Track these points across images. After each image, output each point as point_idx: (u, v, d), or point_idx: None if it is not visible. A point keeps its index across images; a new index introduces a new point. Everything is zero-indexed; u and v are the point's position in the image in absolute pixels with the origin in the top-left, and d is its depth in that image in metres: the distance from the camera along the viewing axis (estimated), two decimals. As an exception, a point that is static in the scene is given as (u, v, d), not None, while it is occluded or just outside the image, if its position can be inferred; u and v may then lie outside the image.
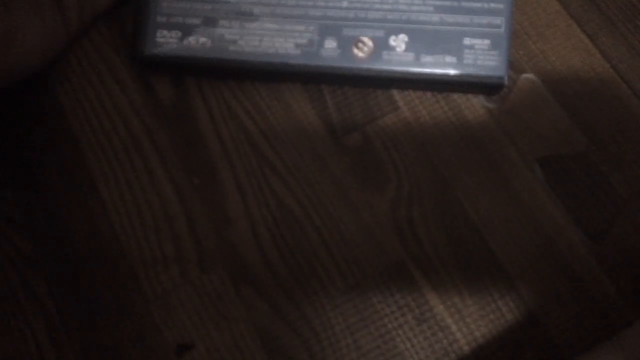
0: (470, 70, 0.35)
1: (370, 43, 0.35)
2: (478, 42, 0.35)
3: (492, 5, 0.35)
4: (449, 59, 0.35)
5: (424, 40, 0.35)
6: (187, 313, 0.34)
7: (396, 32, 0.35)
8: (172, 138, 0.36)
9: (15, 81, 0.33)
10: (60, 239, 0.35)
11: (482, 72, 0.35)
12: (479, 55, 0.35)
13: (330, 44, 0.35)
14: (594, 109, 0.37)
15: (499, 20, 0.35)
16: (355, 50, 0.35)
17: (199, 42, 0.35)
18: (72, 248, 0.35)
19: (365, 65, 0.35)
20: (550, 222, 0.35)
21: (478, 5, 0.35)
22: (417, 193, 0.35)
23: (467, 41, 0.35)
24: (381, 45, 0.35)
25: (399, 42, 0.35)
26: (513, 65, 0.37)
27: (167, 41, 0.35)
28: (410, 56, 0.35)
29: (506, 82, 0.34)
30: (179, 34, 0.35)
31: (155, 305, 0.34)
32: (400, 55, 0.35)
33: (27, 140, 0.36)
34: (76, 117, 0.37)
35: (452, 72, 0.35)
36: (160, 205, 0.35)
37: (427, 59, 0.35)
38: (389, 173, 0.36)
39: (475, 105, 0.37)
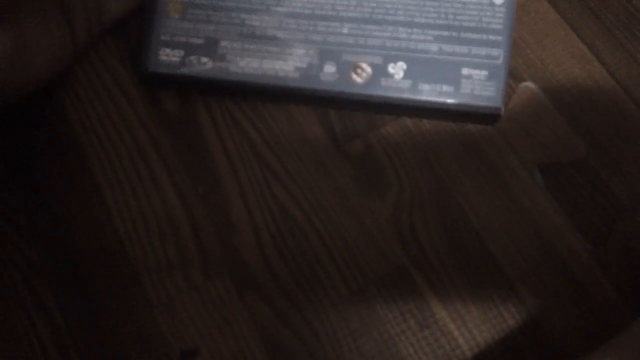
0: (466, 100, 0.35)
1: (368, 69, 0.35)
2: (476, 73, 0.35)
3: (491, 37, 0.35)
4: (446, 88, 0.35)
5: (422, 68, 0.35)
6: (191, 318, 0.34)
7: (395, 59, 0.35)
8: (177, 146, 0.37)
9: (24, 96, 0.34)
10: (65, 244, 0.35)
11: (479, 103, 0.35)
12: (476, 85, 0.35)
13: (330, 68, 0.36)
14: (593, 116, 0.37)
15: (497, 52, 0.35)
16: (354, 76, 0.35)
17: (200, 62, 0.36)
18: (77, 254, 0.35)
19: (363, 91, 0.35)
20: (550, 227, 0.35)
21: (477, 36, 0.35)
22: (418, 199, 0.36)
23: (465, 71, 0.35)
24: (379, 71, 0.35)
25: (397, 69, 0.35)
26: (512, 74, 0.38)
27: (169, 59, 0.36)
28: (408, 83, 0.35)
29: (502, 113, 0.35)
30: (182, 52, 0.36)
31: (160, 311, 0.34)
32: (398, 82, 0.35)
33: (34, 148, 0.37)
34: (82, 127, 0.37)
35: (448, 100, 0.35)
36: (164, 212, 0.36)
37: (425, 87, 0.35)
38: (390, 179, 0.36)
39: (475, 113, 0.37)
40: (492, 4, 0.35)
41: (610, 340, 0.29)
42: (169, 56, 0.36)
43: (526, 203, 0.35)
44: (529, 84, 0.38)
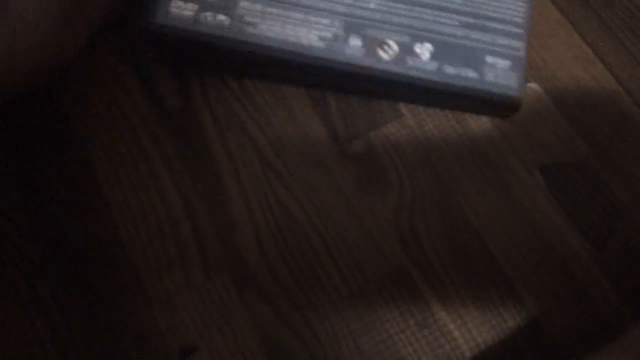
0: (490, 88, 0.34)
1: (395, 46, 0.35)
2: (499, 62, 0.35)
3: (514, 29, 0.35)
4: (472, 73, 0.35)
5: (448, 51, 0.35)
6: (190, 317, 0.34)
7: (422, 39, 0.35)
8: (178, 144, 0.37)
9: (22, 93, 0.33)
10: (65, 243, 0.35)
11: (502, 91, 0.34)
12: (500, 74, 0.35)
13: (355, 41, 0.34)
14: (594, 117, 0.37)
15: (519, 44, 0.35)
16: (380, 52, 0.35)
17: (216, 19, 0.33)
18: (76, 252, 0.35)
19: (389, 68, 0.35)
20: (551, 228, 0.35)
21: (501, 27, 0.35)
22: (419, 199, 0.36)
23: (489, 59, 0.35)
24: (406, 50, 0.35)
25: (424, 50, 0.35)
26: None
27: (181, 12, 0.33)
28: (434, 65, 0.35)
29: (522, 104, 0.35)
30: (196, 7, 0.33)
31: (159, 310, 0.34)
32: (425, 63, 0.35)
33: (34, 147, 0.37)
34: (83, 124, 0.37)
35: (473, 86, 0.34)
36: (165, 211, 0.36)
37: (450, 70, 0.35)
38: (391, 179, 0.36)
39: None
40: None
41: (611, 342, 0.29)
42: (180, 9, 0.33)
43: (526, 203, 0.35)
44: (531, 85, 0.38)
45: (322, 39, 0.34)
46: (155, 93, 0.38)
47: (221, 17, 0.33)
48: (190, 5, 0.33)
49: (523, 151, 0.36)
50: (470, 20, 0.35)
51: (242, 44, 0.33)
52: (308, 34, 0.34)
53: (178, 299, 0.34)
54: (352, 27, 0.35)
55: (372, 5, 0.35)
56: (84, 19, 0.34)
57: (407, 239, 0.35)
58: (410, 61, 0.35)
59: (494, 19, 0.35)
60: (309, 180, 0.36)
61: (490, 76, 0.34)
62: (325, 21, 0.34)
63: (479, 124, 0.37)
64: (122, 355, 0.33)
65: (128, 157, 0.37)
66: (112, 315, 0.34)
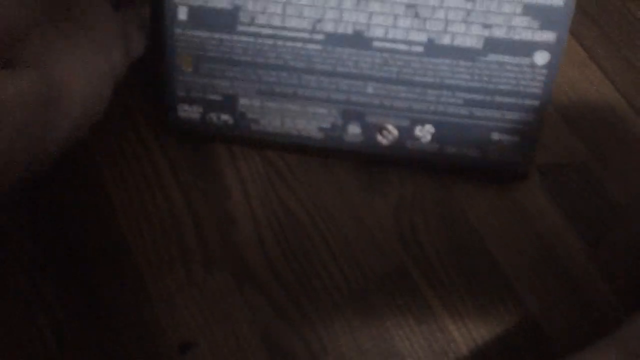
0: (493, 165, 0.34)
1: (395, 131, 0.34)
2: (506, 138, 0.33)
3: (527, 102, 0.32)
4: (474, 152, 0.33)
5: (450, 132, 0.33)
6: (191, 314, 0.34)
7: (422, 122, 0.33)
8: (180, 141, 0.37)
9: (68, 148, 0.30)
10: (67, 240, 0.35)
11: (505, 167, 0.34)
12: (505, 151, 0.33)
13: (354, 129, 0.34)
14: (591, 119, 0.38)
15: (532, 117, 0.33)
16: (379, 137, 0.34)
17: (220, 119, 0.35)
18: (78, 250, 0.35)
19: (388, 152, 0.34)
20: (549, 228, 0.35)
21: (512, 101, 0.33)
22: (420, 199, 0.36)
23: (495, 136, 0.33)
24: (406, 134, 0.34)
25: (424, 132, 0.33)
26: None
27: (189, 115, 0.35)
28: (435, 147, 0.34)
29: (527, 173, 0.34)
30: (200, 109, 0.35)
31: (160, 306, 0.34)
32: (425, 145, 0.34)
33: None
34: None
35: (474, 165, 0.34)
36: (167, 207, 0.36)
37: (452, 150, 0.34)
38: (391, 178, 0.36)
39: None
40: (532, 65, 0.32)
41: (604, 337, 0.30)
42: (187, 112, 0.35)
43: (525, 204, 0.36)
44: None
45: (320, 129, 0.34)
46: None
47: (225, 116, 0.35)
48: (195, 108, 0.35)
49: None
50: (477, 97, 0.33)
51: (247, 139, 0.35)
52: (307, 125, 0.34)
53: (179, 295, 0.34)
54: (350, 114, 0.34)
55: (370, 90, 0.33)
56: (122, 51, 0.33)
57: (407, 239, 0.35)
58: (409, 144, 0.34)
59: (504, 93, 0.32)
60: (309, 177, 0.36)
61: (493, 154, 0.33)
62: (323, 111, 0.34)
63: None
64: (122, 351, 0.33)
65: (131, 153, 0.37)
66: (113, 312, 0.34)
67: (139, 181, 0.36)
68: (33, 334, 0.34)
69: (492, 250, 0.35)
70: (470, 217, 0.36)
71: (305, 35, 0.33)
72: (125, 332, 0.34)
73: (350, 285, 0.34)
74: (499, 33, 0.32)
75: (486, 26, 0.31)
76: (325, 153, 0.36)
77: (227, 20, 0.33)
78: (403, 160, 0.35)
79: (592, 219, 0.36)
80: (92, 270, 0.35)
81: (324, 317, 0.34)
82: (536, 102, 0.32)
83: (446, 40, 0.32)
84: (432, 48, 0.32)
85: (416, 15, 0.32)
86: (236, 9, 0.33)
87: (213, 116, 0.34)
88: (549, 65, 0.32)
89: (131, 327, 0.34)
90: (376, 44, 0.33)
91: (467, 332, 0.33)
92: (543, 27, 0.31)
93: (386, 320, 0.34)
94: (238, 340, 0.33)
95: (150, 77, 0.37)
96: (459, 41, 0.32)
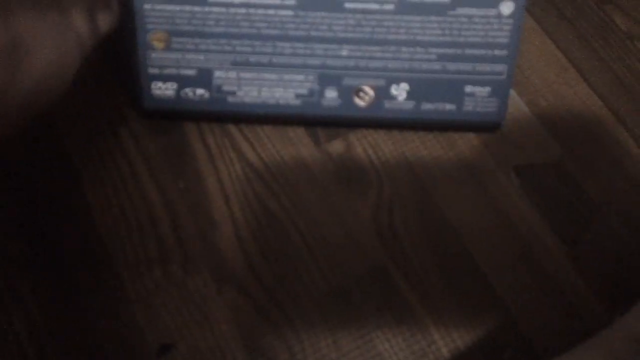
0: (469, 117, 0.35)
1: (371, 92, 0.34)
2: (479, 90, 0.34)
3: (496, 52, 0.34)
4: (449, 106, 0.34)
5: (425, 88, 0.34)
6: (169, 314, 0.34)
7: (397, 80, 0.34)
8: (158, 142, 0.37)
9: (32, 115, 0.30)
10: (44, 240, 0.35)
11: (481, 118, 0.34)
12: (479, 102, 0.34)
13: (331, 93, 0.34)
14: (567, 119, 0.38)
15: (501, 67, 0.34)
16: (357, 100, 0.34)
17: (196, 94, 0.34)
18: (56, 249, 0.35)
19: (365, 114, 0.35)
20: (526, 227, 0.36)
21: (481, 52, 0.34)
22: (398, 198, 0.36)
23: (468, 89, 0.34)
24: (382, 94, 0.34)
25: (400, 90, 0.34)
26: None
27: (163, 93, 0.34)
28: (411, 104, 0.34)
29: (503, 125, 0.35)
30: (175, 85, 0.34)
31: (138, 306, 0.34)
32: (401, 103, 0.34)
33: (12, 144, 0.37)
34: (62, 122, 0.37)
35: (450, 118, 0.35)
36: (144, 208, 0.36)
37: (428, 106, 0.34)
38: (370, 178, 0.37)
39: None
40: (499, 16, 0.33)
41: (585, 340, 0.30)
42: (162, 90, 0.34)
43: (503, 203, 0.36)
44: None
45: (298, 96, 0.35)
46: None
47: (200, 90, 0.34)
48: (169, 85, 0.34)
49: (498, 152, 0.37)
50: (449, 51, 0.34)
51: (224, 112, 0.35)
52: (284, 93, 0.34)
53: (157, 295, 0.34)
54: (326, 79, 0.34)
55: (344, 53, 0.34)
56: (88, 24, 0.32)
57: (386, 237, 0.35)
58: (387, 104, 0.35)
59: (474, 45, 0.34)
60: (289, 178, 0.36)
61: (468, 106, 0.34)
62: (300, 77, 0.34)
63: (456, 127, 0.38)
64: (100, 352, 0.33)
65: (108, 154, 0.37)
66: (91, 311, 0.34)
67: (116, 180, 0.36)
68: (9, 335, 0.33)
69: (470, 249, 0.35)
70: (448, 217, 0.36)
71: (277, 1, 0.33)
72: (103, 333, 0.33)
73: (330, 285, 0.34)
74: None
75: None
76: (304, 120, 0.36)
77: None
78: (381, 122, 0.35)
79: (569, 218, 0.36)
80: (69, 271, 0.35)
81: (303, 317, 0.34)
82: (504, 52, 0.34)
83: None
84: (403, 5, 0.33)
85: None
86: None
87: (188, 91, 0.34)
88: (514, 15, 0.33)
89: (109, 327, 0.33)
90: (348, 5, 0.33)
91: (446, 332, 0.33)
92: None
93: (366, 321, 0.34)
94: (216, 338, 0.33)
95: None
96: None
